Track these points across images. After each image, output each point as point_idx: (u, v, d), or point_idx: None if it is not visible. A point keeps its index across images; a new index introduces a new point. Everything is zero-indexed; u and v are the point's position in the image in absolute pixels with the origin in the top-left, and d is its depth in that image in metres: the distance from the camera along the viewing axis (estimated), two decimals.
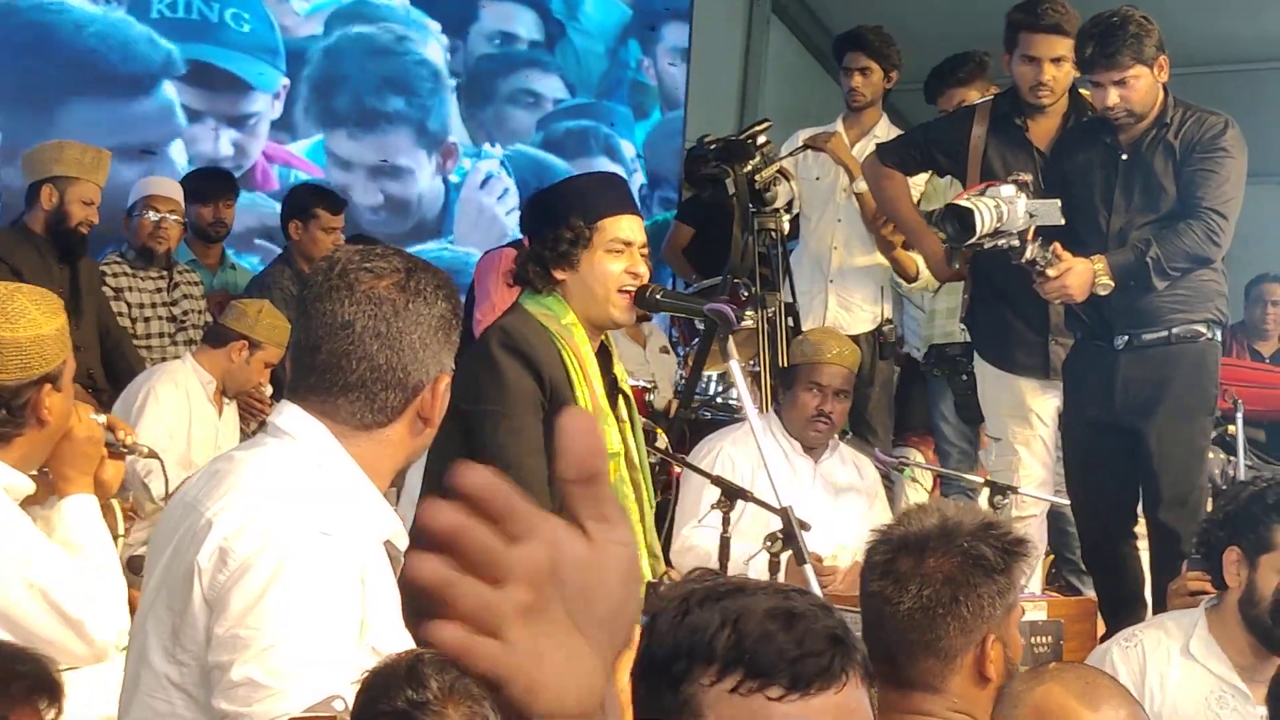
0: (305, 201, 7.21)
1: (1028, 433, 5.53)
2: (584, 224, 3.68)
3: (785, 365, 5.69)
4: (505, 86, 9.70)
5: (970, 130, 5.55)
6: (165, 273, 6.70)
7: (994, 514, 3.95)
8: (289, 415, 2.51)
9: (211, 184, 7.22)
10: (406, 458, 2.56)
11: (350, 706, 2.26)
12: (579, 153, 9.94)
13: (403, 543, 2.55)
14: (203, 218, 7.09)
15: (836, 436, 5.55)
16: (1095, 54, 4.79)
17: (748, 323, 6.23)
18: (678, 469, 5.61)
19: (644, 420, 5.52)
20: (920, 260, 6.38)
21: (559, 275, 3.72)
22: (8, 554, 2.96)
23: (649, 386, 6.57)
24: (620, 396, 3.88)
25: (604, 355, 3.84)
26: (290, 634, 2.29)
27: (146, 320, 6.64)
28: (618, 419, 3.83)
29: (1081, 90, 5.47)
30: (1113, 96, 4.81)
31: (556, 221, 3.71)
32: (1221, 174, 4.84)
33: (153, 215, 6.57)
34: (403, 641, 2.40)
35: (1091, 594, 5.53)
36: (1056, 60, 5.34)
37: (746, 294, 6.24)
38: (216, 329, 6.11)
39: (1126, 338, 4.92)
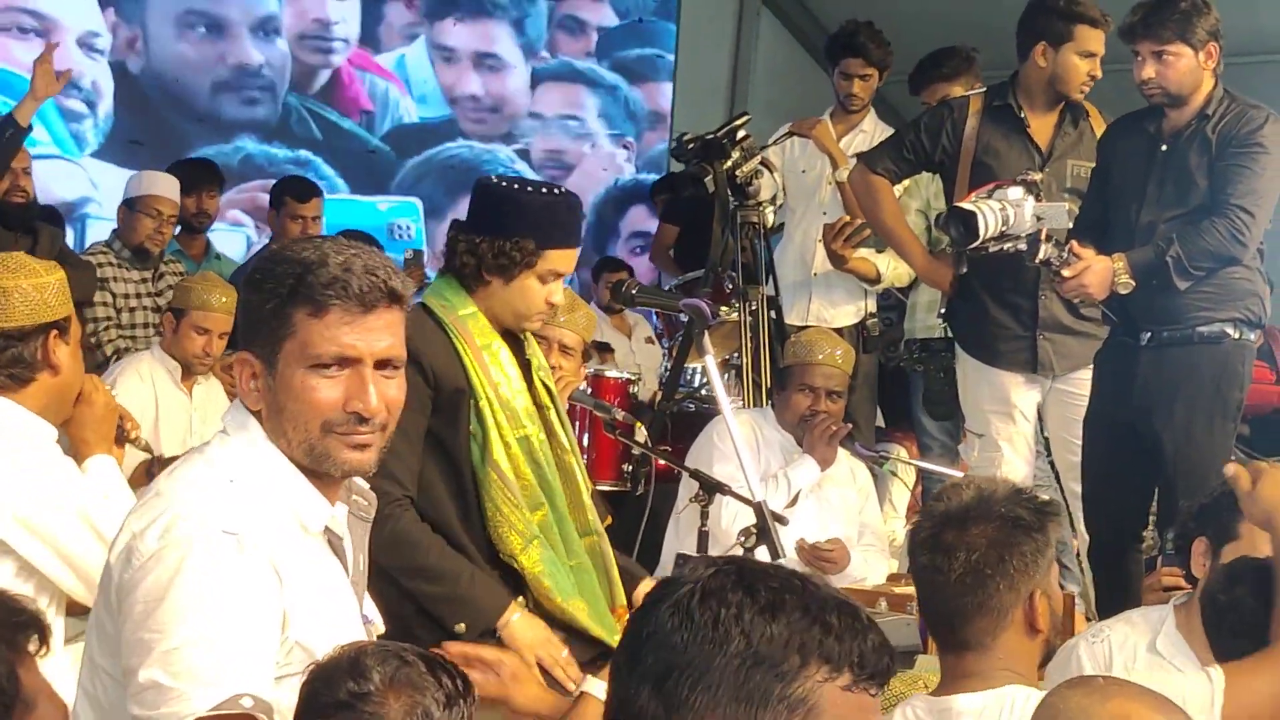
0: (277, 190, 7.31)
1: (1010, 428, 5.51)
2: (534, 247, 3.73)
3: (772, 363, 5.68)
4: None
5: (964, 124, 5.52)
6: (151, 264, 6.73)
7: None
8: (231, 412, 2.56)
9: (195, 174, 7.25)
10: None
11: (263, 702, 2.28)
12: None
13: (340, 529, 2.56)
14: (186, 208, 7.11)
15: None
16: (1139, 23, 4.73)
17: (731, 316, 6.25)
18: (662, 461, 5.63)
19: (623, 414, 5.57)
20: (879, 262, 6.38)
21: (488, 278, 3.77)
22: (58, 483, 3.19)
23: (632, 379, 6.57)
24: (540, 383, 3.90)
25: (515, 342, 3.87)
26: (193, 634, 2.29)
27: (131, 310, 6.66)
28: (540, 405, 3.86)
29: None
30: (1149, 70, 4.75)
31: (510, 232, 3.73)
32: (1255, 169, 4.75)
33: (152, 219, 6.62)
34: (343, 633, 2.41)
35: (1073, 589, 5.54)
36: (1100, 56, 5.33)
37: (730, 286, 6.26)
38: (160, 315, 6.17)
39: (1150, 335, 4.85)
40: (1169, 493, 4.71)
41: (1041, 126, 5.51)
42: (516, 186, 3.87)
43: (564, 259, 3.80)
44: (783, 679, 1.64)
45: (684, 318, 5.91)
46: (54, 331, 3.29)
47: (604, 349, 7.59)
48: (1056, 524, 2.86)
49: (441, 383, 3.71)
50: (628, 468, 6.02)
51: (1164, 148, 4.84)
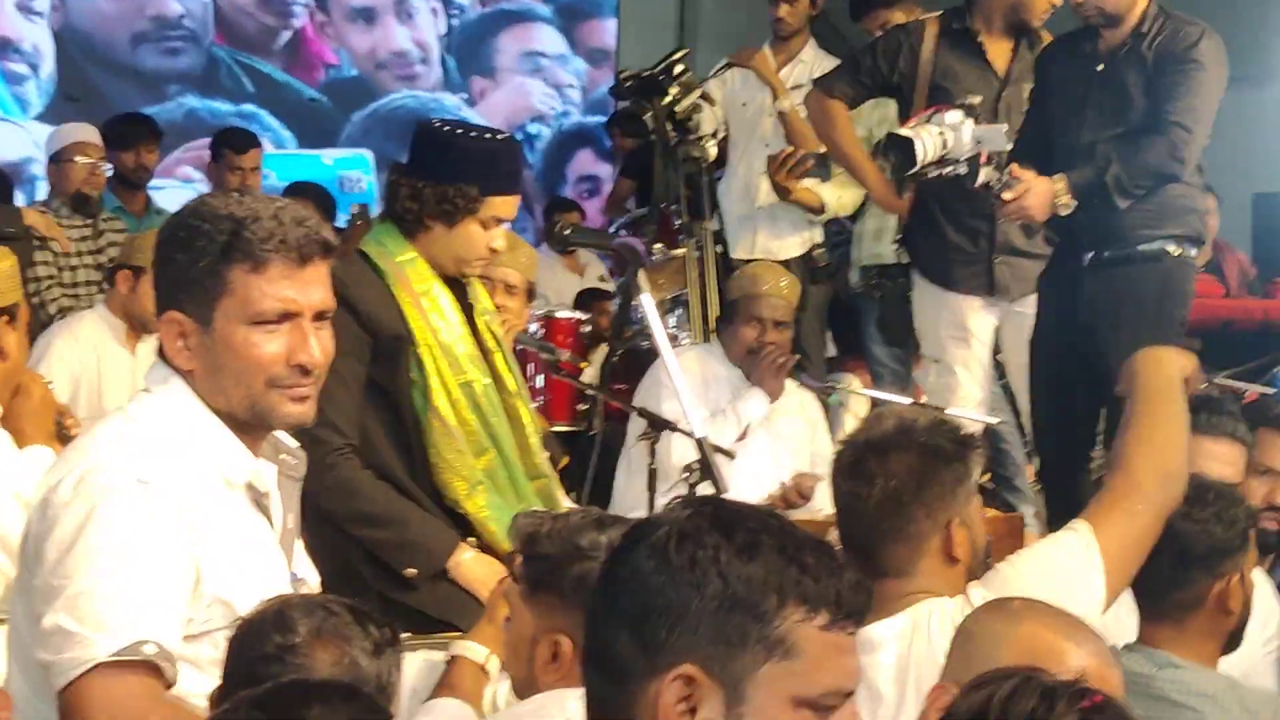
0: (215, 141, 7.29)
1: (965, 353, 5.50)
2: (477, 193, 3.71)
3: (720, 297, 5.67)
4: None
5: (921, 47, 5.49)
6: (90, 222, 6.68)
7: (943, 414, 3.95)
8: (153, 370, 2.55)
9: (131, 129, 7.22)
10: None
11: (166, 651, 2.29)
12: None
13: (264, 484, 2.55)
14: (124, 164, 7.07)
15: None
16: None
17: (678, 251, 6.24)
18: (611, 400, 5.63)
19: (567, 353, 5.57)
20: (824, 192, 6.36)
21: (430, 223, 3.75)
22: None
23: (584, 319, 6.56)
24: (485, 328, 3.89)
25: (457, 287, 3.85)
26: (99, 581, 2.29)
27: (73, 269, 6.63)
28: (485, 350, 3.85)
29: None
30: None
31: (453, 177, 3.72)
32: (1191, 86, 4.73)
33: (83, 160, 6.58)
34: (267, 589, 2.39)
35: (1025, 509, 5.57)
36: None
37: (678, 223, 6.25)
38: (107, 268, 6.10)
39: (1092, 255, 4.84)
40: (1115, 412, 4.71)
41: (999, 51, 5.48)
42: (460, 131, 3.86)
43: (506, 205, 3.79)
44: (761, 620, 1.66)
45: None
46: (4, 318, 3.30)
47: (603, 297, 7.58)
48: (978, 456, 2.87)
49: (380, 330, 3.70)
50: (582, 408, 6.03)
51: (1100, 67, 4.82)
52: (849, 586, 1.69)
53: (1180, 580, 3.08)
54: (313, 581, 2.67)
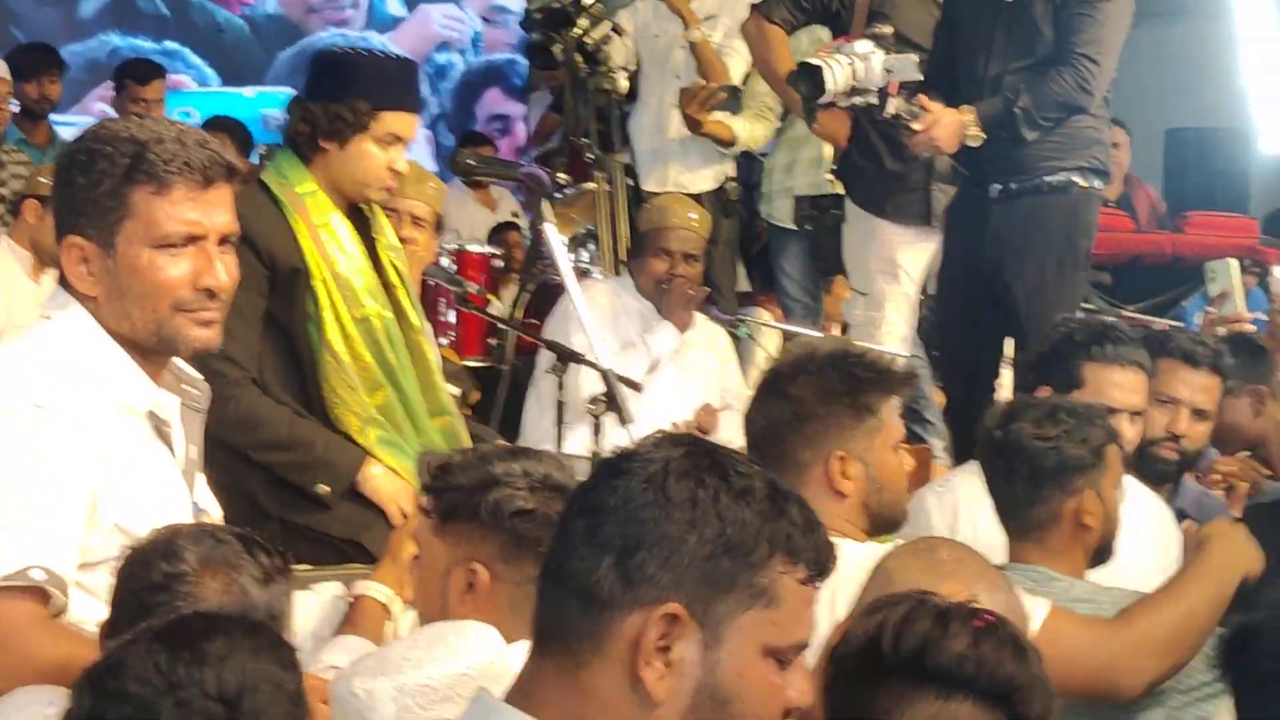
0: (118, 73, 7.24)
1: (894, 288, 5.48)
2: (368, 109, 3.67)
3: (631, 230, 5.64)
4: None
5: None
6: None
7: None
8: (53, 296, 2.53)
9: (33, 59, 7.12)
10: None
11: (56, 577, 2.27)
12: None
13: (165, 413, 2.52)
14: (27, 95, 6.98)
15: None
16: None
17: (589, 185, 6.20)
18: (520, 334, 5.62)
19: (476, 288, 5.53)
20: (735, 125, 6.32)
21: (324, 145, 3.71)
22: None
23: (496, 253, 6.52)
24: (388, 261, 3.85)
25: (360, 220, 3.82)
26: None
27: None
28: (388, 284, 3.81)
29: None
30: None
31: (342, 95, 3.68)
32: (1098, 17, 4.74)
33: None
34: (167, 517, 2.36)
35: (935, 442, 5.60)
36: None
37: (591, 157, 6.21)
38: (11, 200, 6.01)
39: (1000, 187, 4.84)
40: (1022, 343, 4.75)
41: None
42: (351, 51, 3.83)
43: (400, 122, 3.74)
44: (751, 568, 1.65)
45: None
46: None
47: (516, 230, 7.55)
48: (882, 391, 2.87)
49: (277, 262, 3.66)
50: (494, 343, 6.00)
51: (1008, 0, 4.82)
52: (824, 543, 1.70)
53: (1034, 497, 3.14)
54: (214, 513, 2.65)
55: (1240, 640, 1.89)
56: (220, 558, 2.15)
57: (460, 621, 2.34)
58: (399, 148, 3.76)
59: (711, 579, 1.64)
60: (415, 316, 3.88)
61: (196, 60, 9.60)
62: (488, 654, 2.21)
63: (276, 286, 3.67)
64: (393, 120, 3.71)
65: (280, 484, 3.67)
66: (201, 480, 2.66)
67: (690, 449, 1.69)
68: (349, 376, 3.68)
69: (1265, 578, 3.04)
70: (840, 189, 5.78)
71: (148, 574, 2.14)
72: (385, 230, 3.93)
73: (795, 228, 6.33)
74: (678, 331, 5.34)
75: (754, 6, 5.79)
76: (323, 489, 3.63)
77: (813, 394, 2.81)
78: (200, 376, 2.67)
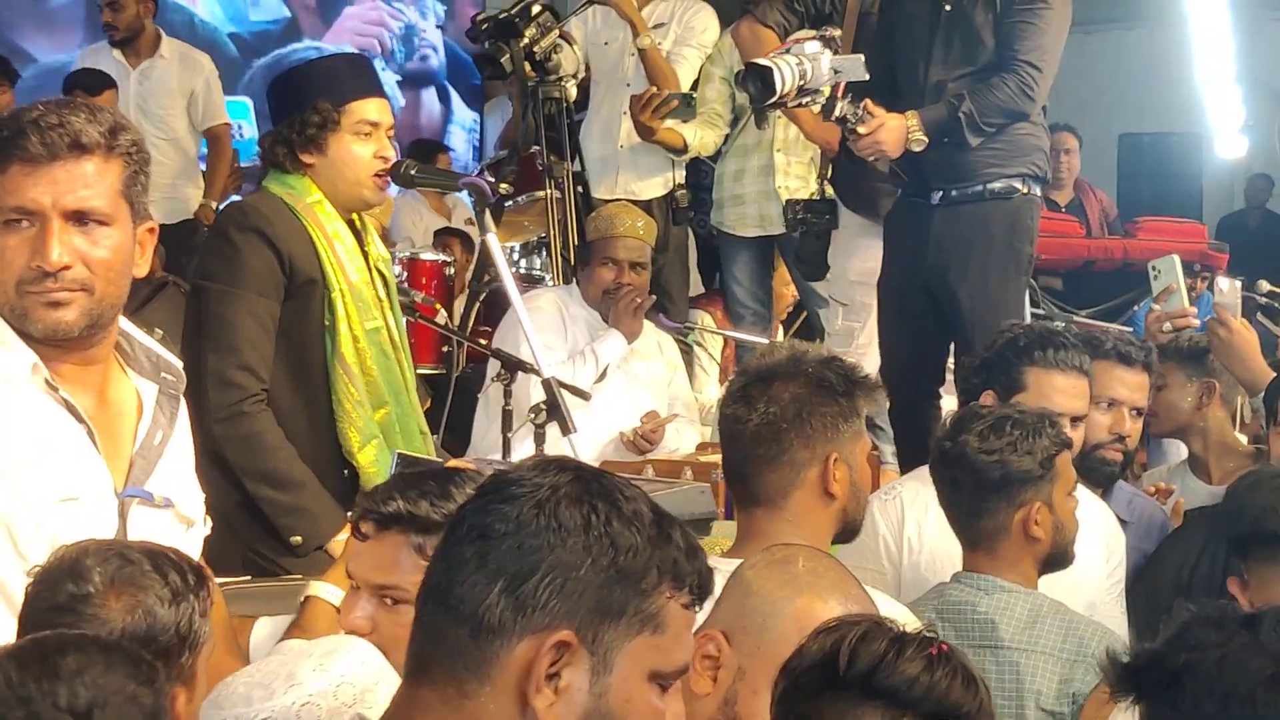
0: (69, 82, 7.26)
1: (873, 300, 5.46)
2: (331, 106, 3.67)
3: (581, 239, 5.63)
4: None
5: None
6: None
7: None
8: None
9: None
10: None
11: None
12: None
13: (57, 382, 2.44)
14: None
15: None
16: None
17: (540, 193, 6.19)
18: (468, 343, 5.59)
19: (424, 296, 5.51)
20: (686, 131, 6.32)
21: (307, 159, 3.71)
22: None
23: (449, 261, 6.50)
24: (377, 275, 3.84)
25: (357, 235, 3.81)
26: None
27: None
28: (377, 298, 3.79)
29: None
30: None
31: (303, 104, 3.69)
32: (1039, 26, 4.77)
33: None
34: (59, 489, 2.34)
35: (885, 448, 5.60)
36: None
37: (541, 165, 6.19)
38: None
39: (941, 193, 4.85)
40: (965, 348, 4.76)
41: None
42: (298, 64, 3.83)
43: (369, 107, 3.73)
44: (641, 594, 1.65)
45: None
46: None
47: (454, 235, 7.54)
48: (867, 396, 2.88)
49: (296, 271, 3.64)
50: (446, 350, 5.98)
51: (947, 8, 4.85)
52: (706, 568, 1.71)
53: (981, 510, 3.18)
54: (183, 507, 2.56)
55: (1166, 673, 1.85)
56: (126, 578, 2.10)
57: (324, 639, 2.30)
58: (378, 135, 3.73)
59: (604, 606, 1.63)
60: (397, 331, 3.87)
61: None
62: (335, 679, 2.15)
63: (291, 295, 3.65)
64: (360, 108, 3.70)
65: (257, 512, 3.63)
66: (172, 468, 2.55)
67: (577, 474, 1.68)
68: (356, 391, 3.66)
69: (1189, 593, 3.06)
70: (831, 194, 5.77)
71: (53, 595, 2.10)
72: (375, 241, 3.91)
73: (744, 235, 6.36)
74: (625, 340, 5.33)
75: (747, 9, 5.76)
76: (296, 540, 3.59)
77: (812, 393, 2.81)
78: (177, 363, 2.62)
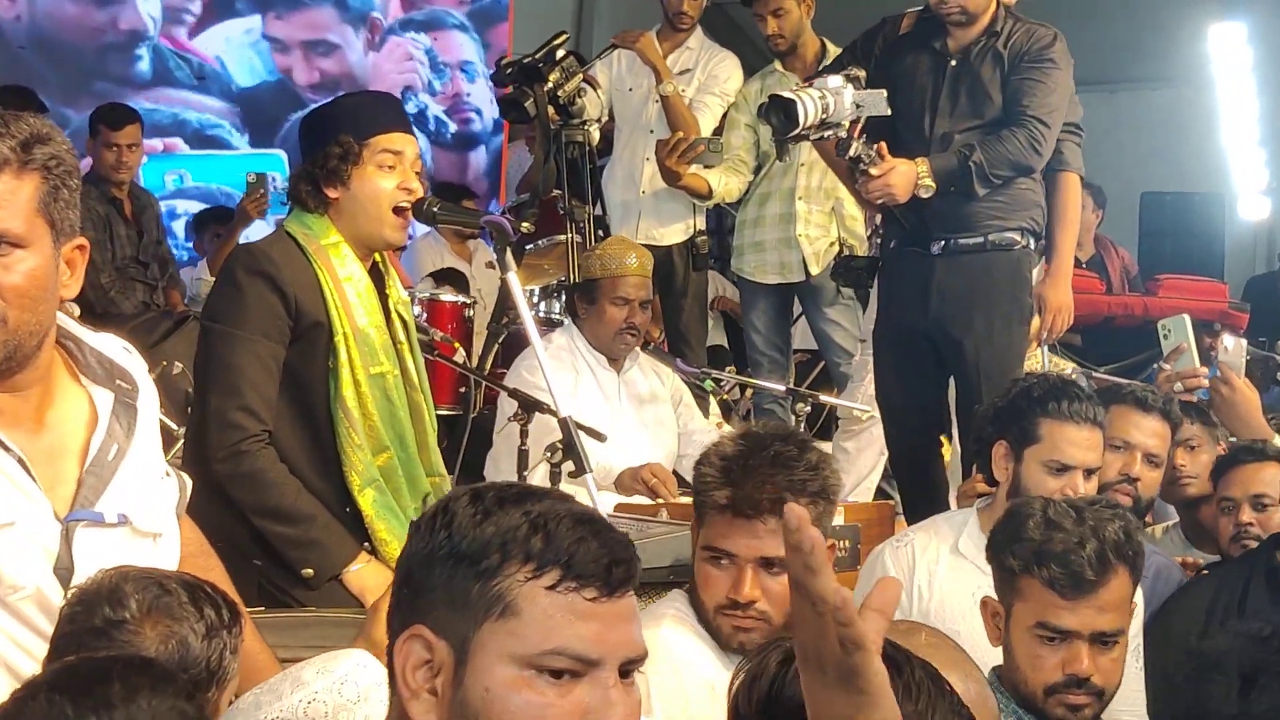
0: (94, 117, 7.25)
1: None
2: (354, 139, 3.67)
3: (580, 278, 5.60)
4: None
5: (895, 35, 5.42)
6: None
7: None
8: None
9: None
10: None
11: None
12: None
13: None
14: None
15: (638, 347, 5.51)
16: None
17: (560, 237, 6.20)
18: (494, 385, 5.60)
19: (442, 335, 5.51)
20: (710, 177, 6.34)
21: (331, 194, 3.70)
22: None
23: (467, 303, 6.53)
24: (398, 318, 3.84)
25: (377, 277, 3.80)
26: None
27: None
28: (395, 340, 3.79)
29: None
30: None
31: (326, 138, 3.69)
32: (1048, 84, 4.85)
33: None
34: None
35: (897, 499, 5.60)
36: None
37: (562, 209, 6.22)
38: None
39: (944, 243, 4.90)
40: (970, 397, 4.78)
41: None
42: (326, 102, 3.86)
43: (393, 140, 3.72)
44: (480, 577, 1.64)
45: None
46: None
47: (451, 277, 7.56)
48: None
49: (302, 314, 3.63)
50: (464, 391, 6.00)
51: (953, 63, 4.93)
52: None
53: None
54: (142, 522, 2.45)
55: None
56: (163, 607, 2.14)
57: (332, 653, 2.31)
58: (402, 167, 3.71)
59: (451, 597, 1.65)
60: (416, 374, 3.85)
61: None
62: (338, 678, 2.15)
63: (298, 339, 3.64)
64: (383, 141, 3.70)
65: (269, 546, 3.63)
66: (129, 483, 2.45)
67: (462, 488, 1.72)
68: (356, 434, 3.64)
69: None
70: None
71: (90, 618, 2.13)
72: (396, 284, 3.90)
73: (764, 282, 6.38)
74: (616, 375, 5.35)
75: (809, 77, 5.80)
76: (308, 573, 3.58)
77: None
78: (135, 369, 2.53)
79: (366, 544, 3.67)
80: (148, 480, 2.50)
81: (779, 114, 4.67)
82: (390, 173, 3.70)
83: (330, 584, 3.61)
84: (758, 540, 2.87)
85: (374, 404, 3.67)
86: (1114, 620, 2.93)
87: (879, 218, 5.67)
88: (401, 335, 3.82)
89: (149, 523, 2.47)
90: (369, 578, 3.59)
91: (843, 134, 4.72)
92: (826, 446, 5.54)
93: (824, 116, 4.66)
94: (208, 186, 9.85)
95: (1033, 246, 5.00)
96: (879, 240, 5.74)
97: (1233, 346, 4.45)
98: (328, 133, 3.70)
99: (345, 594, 3.60)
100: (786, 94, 4.68)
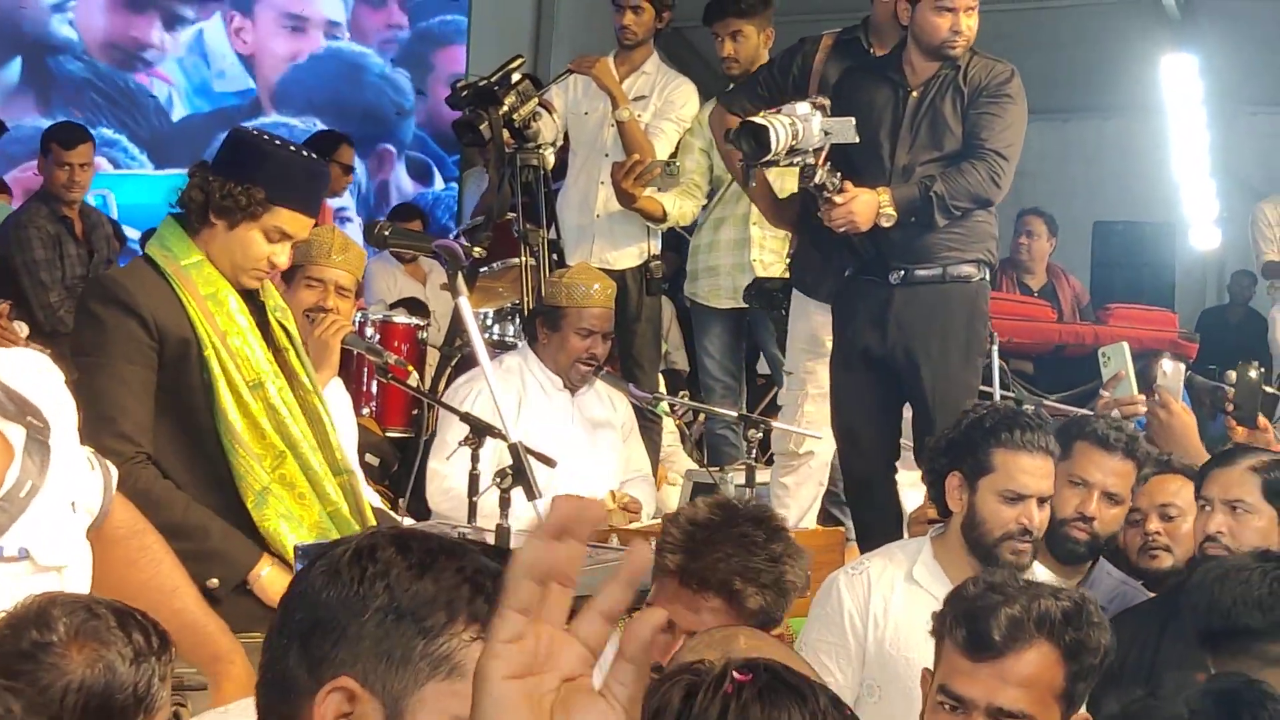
0: (45, 136, 7.21)
1: (818, 367, 5.49)
2: (263, 197, 3.65)
3: (543, 303, 5.59)
4: None
5: (811, 59, 5.49)
6: None
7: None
8: None
9: None
10: None
11: None
12: None
13: None
14: None
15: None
16: None
17: (515, 261, 6.19)
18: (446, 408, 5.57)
19: (396, 359, 5.49)
20: (665, 201, 6.34)
21: (213, 220, 3.68)
22: None
23: (420, 325, 6.50)
24: (276, 324, 3.83)
25: (250, 290, 3.79)
26: None
27: None
28: (277, 347, 3.79)
29: None
30: (964, 22, 4.89)
31: (243, 177, 3.66)
32: (1005, 118, 4.92)
33: None
34: None
35: (849, 524, 5.60)
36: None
37: (517, 232, 6.21)
38: None
39: (902, 273, 4.94)
40: (926, 426, 4.79)
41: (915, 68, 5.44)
42: (266, 138, 3.81)
43: (294, 222, 3.72)
44: (425, 635, 1.59)
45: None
46: None
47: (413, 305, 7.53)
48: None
49: (165, 335, 3.63)
50: (416, 413, 5.97)
51: (914, 94, 4.97)
52: None
53: None
54: (44, 556, 2.49)
55: None
56: (90, 631, 2.11)
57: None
58: (284, 246, 3.73)
59: (386, 650, 1.59)
60: (306, 376, 3.84)
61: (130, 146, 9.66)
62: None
63: (167, 360, 3.63)
64: (286, 218, 3.69)
65: None
66: (39, 518, 2.49)
67: (378, 534, 1.67)
68: (243, 446, 3.63)
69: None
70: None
71: (18, 641, 2.10)
72: (271, 293, 3.90)
73: (718, 307, 6.39)
74: (569, 397, 5.34)
75: (720, 99, 5.87)
76: (213, 583, 3.54)
77: None
78: (46, 398, 2.55)
79: (267, 553, 3.65)
80: (59, 514, 2.53)
81: (750, 140, 4.70)
82: (270, 244, 3.70)
83: (239, 596, 3.59)
84: (695, 616, 2.86)
85: (258, 413, 3.66)
86: (1018, 699, 2.65)
87: (795, 240, 5.72)
88: (284, 341, 3.83)
89: (52, 556, 2.51)
90: (278, 582, 3.57)
91: (810, 160, 4.75)
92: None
93: (793, 143, 4.69)
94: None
95: (988, 278, 5.06)
96: (791, 264, 5.78)
97: (1171, 371, 4.48)
98: (245, 172, 3.67)
99: (252, 605, 3.57)
100: (758, 120, 4.70)
